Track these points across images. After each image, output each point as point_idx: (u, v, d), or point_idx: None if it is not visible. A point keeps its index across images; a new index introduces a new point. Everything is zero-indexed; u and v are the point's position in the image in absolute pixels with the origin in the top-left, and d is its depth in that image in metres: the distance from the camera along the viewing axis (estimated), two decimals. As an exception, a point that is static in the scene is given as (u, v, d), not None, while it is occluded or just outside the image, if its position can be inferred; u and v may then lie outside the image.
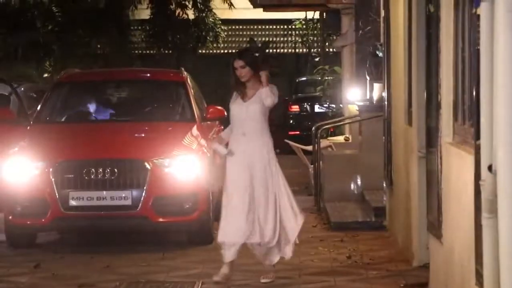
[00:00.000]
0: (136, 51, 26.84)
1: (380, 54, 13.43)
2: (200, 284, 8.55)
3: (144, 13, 27.38)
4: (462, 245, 6.88)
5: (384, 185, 12.07)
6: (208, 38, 27.43)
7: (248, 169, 8.66)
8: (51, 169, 10.24)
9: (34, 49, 21.80)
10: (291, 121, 25.26)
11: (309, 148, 15.27)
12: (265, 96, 8.69)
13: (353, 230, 11.68)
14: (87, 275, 9.23)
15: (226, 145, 8.93)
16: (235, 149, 8.73)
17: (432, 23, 8.62)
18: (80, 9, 23.26)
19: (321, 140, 14.56)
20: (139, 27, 27.91)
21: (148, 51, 27.50)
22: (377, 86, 13.91)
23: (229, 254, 8.62)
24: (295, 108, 25.62)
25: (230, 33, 29.12)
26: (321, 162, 14.06)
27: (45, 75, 21.10)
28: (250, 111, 8.72)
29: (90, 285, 8.82)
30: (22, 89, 15.92)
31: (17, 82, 16.73)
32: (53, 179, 10.22)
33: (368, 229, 11.73)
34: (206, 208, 10.63)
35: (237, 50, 9.30)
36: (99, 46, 24.30)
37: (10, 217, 10.47)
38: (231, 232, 8.57)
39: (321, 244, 10.97)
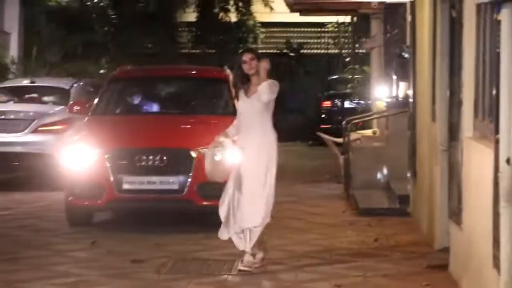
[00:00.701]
0: (183, 50, 26.85)
1: (406, 56, 13.37)
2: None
3: (191, 16, 27.42)
4: (481, 231, 6.86)
5: (409, 175, 12.03)
6: (248, 39, 27.45)
7: (249, 163, 8.42)
8: (107, 156, 10.35)
9: (92, 48, 21.91)
10: (323, 116, 25.14)
11: (340, 140, 15.23)
12: (262, 92, 8.41)
13: (379, 215, 11.66)
14: (138, 252, 9.29)
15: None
16: (241, 143, 8.50)
17: (455, 27, 8.58)
18: (133, 12, 23.37)
19: (350, 133, 14.53)
20: (186, 29, 27.95)
21: (193, 51, 27.50)
22: (403, 84, 13.87)
23: (240, 243, 8.48)
24: (327, 103, 25.50)
25: (268, 34, 29.06)
26: (350, 153, 14.03)
27: (101, 71, 21.17)
28: (253, 106, 8.45)
29: (141, 261, 8.86)
30: (82, 83, 16.07)
31: (77, 77, 16.92)
32: (108, 165, 10.31)
33: (393, 215, 11.69)
34: None
35: (244, 48, 9.35)
36: (149, 45, 24.40)
37: (70, 198, 10.60)
38: (231, 226, 8.43)
39: (350, 228, 10.97)
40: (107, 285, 7.94)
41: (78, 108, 12.11)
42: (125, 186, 10.35)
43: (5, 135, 14.51)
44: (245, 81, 8.51)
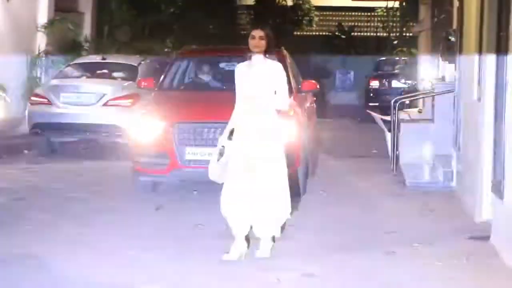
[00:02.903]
0: (242, 32, 26.87)
1: (452, 39, 13.21)
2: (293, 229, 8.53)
3: (250, 0, 27.41)
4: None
5: (453, 151, 11.91)
6: (303, 21, 27.37)
7: (251, 144, 7.42)
8: (171, 128, 10.40)
9: (158, 28, 21.97)
10: (371, 94, 25.02)
11: (388, 118, 15.10)
12: (282, 103, 7.57)
13: (424, 189, 11.55)
14: (200, 217, 9.30)
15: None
16: (242, 123, 7.51)
17: (503, 11, 8.42)
18: (197, -5, 23.44)
19: (398, 111, 14.40)
20: (245, 12, 27.97)
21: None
22: (449, 66, 13.72)
23: (235, 229, 7.53)
24: (375, 83, 25.36)
25: (321, 18, 28.95)
26: (397, 130, 13.91)
27: (166, 49, 21.22)
28: (257, 86, 7.47)
29: (203, 224, 8.90)
30: (148, 61, 16.12)
31: (144, 55, 16.96)
32: (173, 137, 10.37)
33: (438, 189, 11.59)
34: (300, 167, 10.60)
35: (258, 24, 7.77)
36: (211, 27, 24.42)
37: (138, 167, 10.66)
38: (228, 209, 7.53)
39: (397, 200, 10.88)
40: (171, 248, 7.96)
41: (146, 83, 12.10)
42: (188, 157, 10.36)
43: (78, 108, 14.64)
44: (249, 57, 7.59)
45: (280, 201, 7.50)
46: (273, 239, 7.68)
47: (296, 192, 10.23)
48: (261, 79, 7.48)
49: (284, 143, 9.11)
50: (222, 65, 12.73)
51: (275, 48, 7.72)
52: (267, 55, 7.55)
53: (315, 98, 13.31)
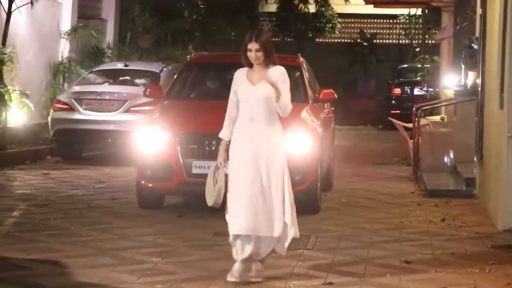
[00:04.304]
0: (264, 39, 26.90)
1: (475, 47, 13.15)
2: (314, 238, 8.50)
3: (272, 7, 27.45)
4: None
5: (475, 159, 11.85)
6: (326, 28, 27.36)
7: (255, 157, 6.84)
8: (177, 140, 9.76)
9: (181, 35, 22.03)
10: (393, 102, 24.98)
11: (410, 125, 15.07)
12: (283, 106, 6.93)
13: (446, 197, 11.49)
14: (220, 226, 9.27)
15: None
16: (242, 135, 6.93)
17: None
18: (219, 2, 23.43)
19: (420, 118, 14.38)
20: (267, 18, 28.00)
21: (273, 39, 27.50)
22: (471, 74, 13.68)
23: (236, 250, 6.93)
24: (397, 90, 25.33)
25: (344, 25, 28.93)
26: (419, 138, 13.88)
27: (188, 56, 21.28)
28: (259, 95, 6.89)
29: (223, 234, 8.86)
30: (170, 67, 16.14)
31: (166, 62, 17.00)
32: (179, 149, 9.73)
33: (460, 197, 11.53)
34: (315, 180, 9.96)
35: (251, 32, 6.98)
36: (233, 33, 24.43)
37: (142, 182, 9.98)
38: (234, 224, 6.88)
39: (418, 208, 10.82)
40: (191, 256, 7.95)
41: (151, 92, 11.32)
42: (195, 171, 9.64)
43: (100, 114, 14.70)
44: (248, 64, 6.99)
45: (284, 215, 6.90)
46: (262, 261, 7.05)
47: (309, 208, 9.82)
48: (264, 98, 6.90)
49: (296, 157, 8.71)
50: (232, 72, 12.02)
51: (275, 56, 7.02)
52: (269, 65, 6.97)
53: (332, 108, 12.54)
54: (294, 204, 7.02)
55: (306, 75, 11.26)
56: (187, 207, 10.45)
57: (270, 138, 6.92)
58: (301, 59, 11.59)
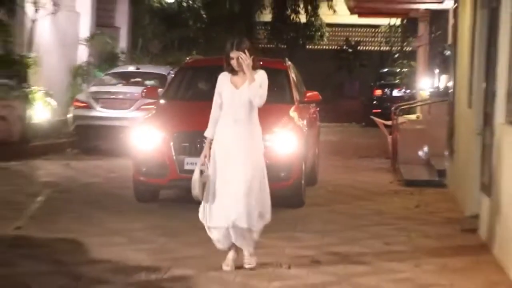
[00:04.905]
0: (260, 45, 26.87)
1: (447, 53, 13.17)
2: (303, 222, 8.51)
3: (267, 16, 27.42)
4: (507, 201, 6.74)
5: (446, 153, 11.88)
6: (315, 36, 27.34)
7: (236, 153, 6.58)
8: (170, 138, 9.35)
9: (186, 41, 22.01)
10: (374, 102, 24.91)
11: (389, 123, 15.09)
12: (253, 95, 6.62)
13: (420, 186, 11.52)
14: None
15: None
16: (225, 134, 6.66)
17: (492, 30, 8.41)
18: (220, 12, 23.42)
19: (398, 117, 14.39)
20: (262, 27, 27.97)
21: (268, 45, 27.48)
22: (444, 77, 13.69)
23: (218, 242, 6.69)
24: (378, 92, 25.27)
25: (331, 33, 28.93)
26: (397, 134, 13.90)
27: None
28: (242, 98, 6.63)
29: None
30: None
31: (173, 65, 17.00)
32: (172, 147, 9.34)
33: (432, 186, 11.56)
34: (299, 176, 9.51)
35: (231, 41, 6.70)
36: (232, 40, 24.33)
37: (140, 178, 9.57)
38: (214, 216, 6.61)
39: (396, 196, 10.87)
40: (195, 236, 7.98)
41: (147, 93, 10.92)
42: (187, 167, 9.17)
43: (114, 112, 14.74)
44: (231, 69, 6.72)
45: (260, 199, 6.62)
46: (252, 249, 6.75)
47: (294, 203, 9.59)
48: (246, 102, 6.63)
49: (282, 155, 8.46)
50: None
51: (256, 61, 6.73)
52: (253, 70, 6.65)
53: (318, 109, 12.09)
54: (269, 194, 6.70)
55: (292, 77, 10.86)
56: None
57: (251, 137, 6.64)
58: (288, 63, 11.16)
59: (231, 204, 6.53)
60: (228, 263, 6.66)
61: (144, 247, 7.43)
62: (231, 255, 6.69)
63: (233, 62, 6.66)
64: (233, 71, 6.71)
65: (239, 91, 6.67)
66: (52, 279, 6.29)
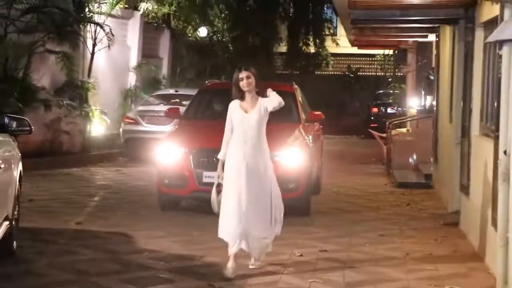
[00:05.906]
0: (277, 71, 26.88)
1: (432, 77, 13.12)
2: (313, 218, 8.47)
3: (283, 48, 27.45)
4: (483, 200, 6.69)
5: (432, 160, 11.81)
6: (322, 64, 27.38)
7: (247, 172, 6.12)
8: (190, 154, 8.81)
9: (216, 68, 22.06)
10: (372, 118, 24.79)
11: (384, 135, 15.03)
12: (271, 101, 6.18)
13: (410, 187, 11.47)
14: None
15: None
16: (236, 154, 6.20)
17: (468, 59, 8.37)
18: (244, 45, 23.47)
19: (391, 130, 14.33)
20: (279, 57, 27.97)
21: (284, 72, 27.48)
22: (429, 97, 13.64)
23: (230, 249, 6.16)
24: (375, 109, 25.15)
25: (335, 61, 28.91)
26: (391, 144, 13.84)
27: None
28: (252, 121, 6.19)
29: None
30: (208, 93, 16.15)
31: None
32: (191, 161, 8.79)
33: (420, 187, 11.49)
34: (306, 188, 8.93)
35: (239, 65, 6.38)
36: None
37: (163, 189, 9.03)
38: (225, 231, 6.17)
39: (390, 196, 10.82)
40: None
41: (171, 113, 10.23)
42: (205, 180, 8.63)
43: (157, 127, 14.79)
44: (241, 96, 6.28)
45: (272, 211, 6.20)
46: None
47: (301, 211, 8.93)
48: (255, 124, 6.19)
49: (290, 170, 8.15)
50: None
51: (261, 82, 6.33)
52: (257, 91, 6.25)
53: (321, 127, 11.36)
54: (282, 206, 6.30)
55: (299, 99, 10.37)
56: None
57: (260, 156, 6.18)
58: (295, 86, 10.54)
59: (244, 217, 6.06)
60: (229, 272, 6.02)
61: (180, 239, 7.43)
62: (230, 264, 6.06)
63: (243, 83, 6.18)
64: (242, 98, 6.24)
65: (248, 115, 6.21)
66: (106, 265, 6.30)
